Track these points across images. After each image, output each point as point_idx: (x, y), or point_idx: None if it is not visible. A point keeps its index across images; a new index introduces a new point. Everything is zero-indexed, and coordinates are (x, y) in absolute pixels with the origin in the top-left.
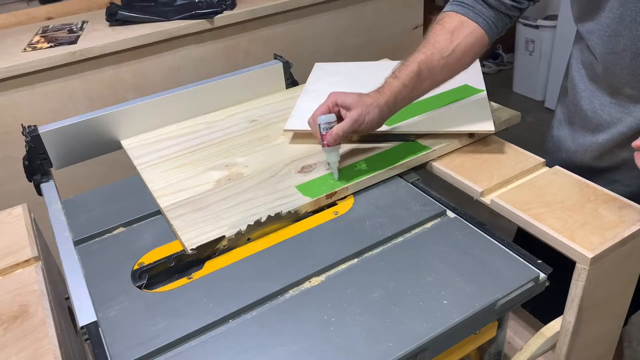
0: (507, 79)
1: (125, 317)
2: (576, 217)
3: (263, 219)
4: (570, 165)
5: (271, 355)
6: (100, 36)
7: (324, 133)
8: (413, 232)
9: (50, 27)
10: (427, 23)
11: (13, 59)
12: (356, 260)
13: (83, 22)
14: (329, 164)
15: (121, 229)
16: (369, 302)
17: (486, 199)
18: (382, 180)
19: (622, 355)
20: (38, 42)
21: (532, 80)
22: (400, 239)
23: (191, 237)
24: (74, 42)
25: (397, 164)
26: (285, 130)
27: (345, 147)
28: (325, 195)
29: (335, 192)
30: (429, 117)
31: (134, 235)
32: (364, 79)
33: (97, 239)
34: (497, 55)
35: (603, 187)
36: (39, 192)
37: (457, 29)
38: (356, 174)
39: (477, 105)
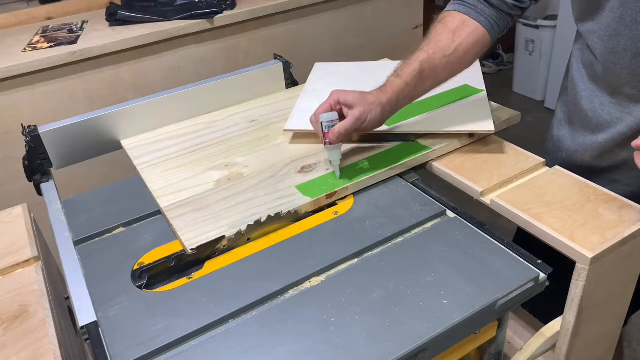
0: (507, 79)
1: (125, 317)
2: (576, 217)
3: (263, 219)
4: (571, 165)
5: (271, 355)
6: (100, 36)
7: (326, 131)
8: (413, 232)
9: (50, 27)
10: (427, 23)
11: (13, 59)
12: (356, 260)
13: (83, 22)
14: (330, 162)
15: (121, 229)
16: (369, 302)
17: (486, 199)
18: (382, 180)
19: (622, 355)
20: (38, 42)
21: (532, 80)
22: (400, 239)
23: (191, 237)
24: (74, 42)
25: (397, 164)
26: (285, 130)
27: (345, 147)
28: (325, 195)
29: (335, 192)
30: (429, 117)
31: (134, 235)
32: (364, 79)
33: (97, 239)
34: (497, 55)
35: (603, 187)
36: (39, 192)
37: (459, 28)
38: (356, 173)
39: (477, 105)
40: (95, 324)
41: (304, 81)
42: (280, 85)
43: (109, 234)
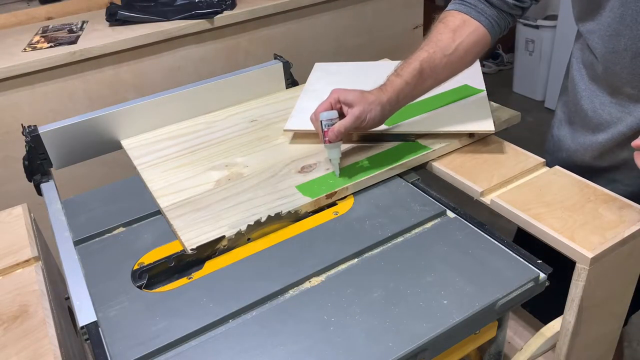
0: (507, 79)
1: (125, 317)
2: (576, 217)
3: (263, 219)
4: (571, 164)
5: (271, 355)
6: (100, 36)
7: (325, 129)
8: (413, 232)
9: (50, 27)
10: (427, 23)
11: (13, 59)
12: (356, 260)
13: (83, 22)
14: (330, 160)
15: (121, 229)
16: (369, 302)
17: (486, 199)
18: (382, 180)
19: (622, 355)
20: (38, 42)
21: (532, 80)
22: (400, 239)
23: (191, 237)
24: (74, 42)
25: (397, 164)
26: (285, 130)
27: (345, 147)
28: (325, 195)
29: (335, 192)
30: (429, 117)
31: (134, 235)
32: (364, 79)
33: (97, 239)
34: (497, 55)
35: (603, 186)
36: (39, 192)
37: (459, 28)
38: (356, 173)
39: (477, 105)
40: (95, 324)
41: (304, 81)
42: (280, 85)
43: (109, 234)
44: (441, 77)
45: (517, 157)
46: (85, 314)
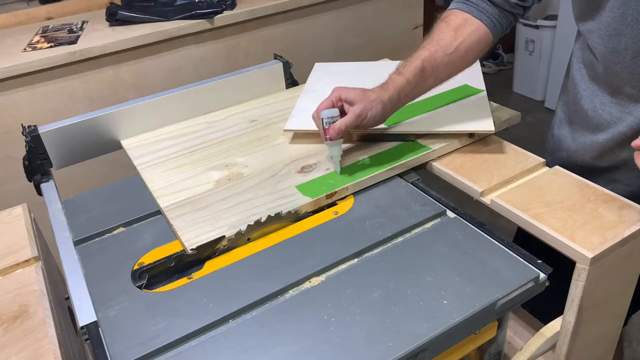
0: (507, 79)
1: (125, 317)
2: (576, 217)
3: (263, 219)
4: (571, 164)
5: (271, 355)
6: (100, 36)
7: (326, 127)
8: (413, 232)
9: (50, 27)
10: (427, 23)
11: (13, 59)
12: (356, 260)
13: (83, 22)
14: (331, 157)
15: (121, 229)
16: (369, 302)
17: (486, 199)
18: (382, 180)
19: (622, 355)
20: (38, 42)
21: (532, 80)
22: (400, 239)
23: (191, 237)
24: (74, 42)
25: (397, 164)
26: (285, 130)
27: (345, 147)
28: (325, 195)
29: (335, 192)
30: (429, 117)
31: (134, 235)
32: (364, 79)
33: (97, 239)
34: (497, 55)
35: (603, 186)
36: (39, 192)
37: (461, 27)
38: (356, 173)
39: (477, 105)
40: (95, 324)
41: (304, 81)
42: (280, 85)
43: (109, 234)
44: (442, 75)
45: (517, 157)
46: (85, 314)
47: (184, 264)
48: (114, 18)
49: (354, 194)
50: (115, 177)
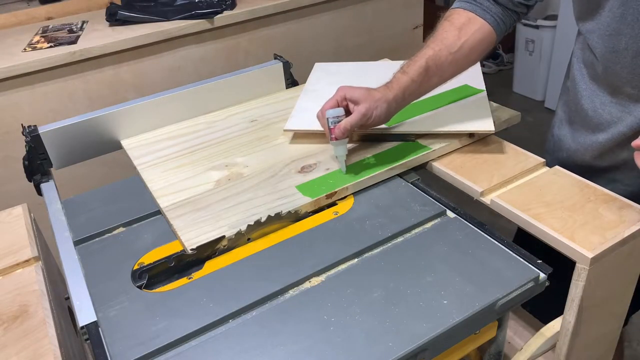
0: (507, 79)
1: (125, 317)
2: (576, 217)
3: (263, 219)
4: (571, 164)
5: (271, 355)
6: (100, 36)
7: (332, 127)
8: (413, 232)
9: (50, 27)
10: (427, 23)
11: (13, 59)
12: (356, 260)
13: (83, 22)
14: (336, 157)
15: (121, 229)
16: (369, 302)
17: (486, 199)
18: (382, 180)
19: (622, 355)
20: (38, 42)
21: (532, 80)
22: (400, 239)
23: (191, 237)
24: (74, 42)
25: (397, 164)
26: (285, 130)
27: None
28: (325, 195)
29: (335, 192)
30: (429, 117)
31: (134, 235)
32: (364, 79)
33: (97, 239)
34: (497, 55)
35: (603, 186)
36: (39, 192)
37: (464, 26)
38: (356, 173)
39: (477, 105)
40: (95, 324)
41: (304, 81)
42: (280, 85)
43: (109, 234)
44: (447, 74)
45: (517, 157)
46: (85, 314)
47: (184, 264)
48: (114, 18)
49: (354, 194)
50: (115, 177)
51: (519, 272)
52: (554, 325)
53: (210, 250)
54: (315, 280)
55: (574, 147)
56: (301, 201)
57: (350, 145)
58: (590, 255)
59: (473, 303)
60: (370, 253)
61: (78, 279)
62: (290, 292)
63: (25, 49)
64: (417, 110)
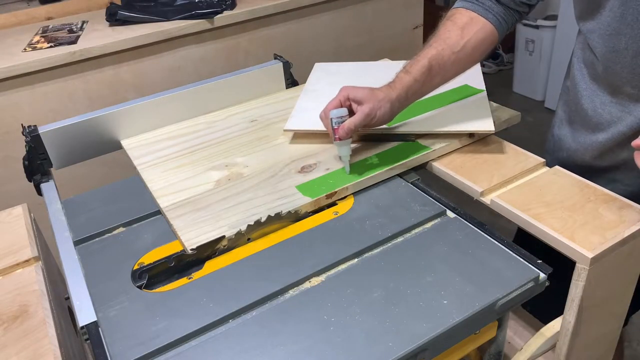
0: (507, 79)
1: (125, 317)
2: (576, 217)
3: (263, 219)
4: (571, 164)
5: (271, 355)
6: (100, 36)
7: (335, 127)
8: (413, 232)
9: (50, 27)
10: (427, 23)
11: (13, 59)
12: (356, 260)
13: (83, 22)
14: (340, 157)
15: (121, 229)
16: (369, 302)
17: (486, 199)
18: (382, 180)
19: (622, 355)
20: (38, 42)
21: (532, 80)
22: (400, 239)
23: (191, 237)
24: (74, 42)
25: (397, 164)
26: (285, 130)
27: None
28: (325, 195)
29: (335, 192)
30: (429, 117)
31: (134, 235)
32: (364, 79)
33: (97, 239)
34: (497, 55)
35: (603, 186)
36: (39, 192)
37: (467, 25)
38: (356, 173)
39: (477, 105)
40: (95, 324)
41: (304, 81)
42: (280, 85)
43: (109, 234)
44: (449, 74)
45: (517, 157)
46: (85, 314)
47: (184, 264)
48: (114, 18)
49: (354, 194)
50: (115, 177)
51: (519, 272)
52: (554, 325)
53: (210, 250)
54: (315, 280)
55: (574, 147)
56: (301, 201)
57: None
58: (590, 255)
59: (473, 303)
60: (370, 253)
61: (78, 279)
62: (290, 292)
63: (25, 49)
64: (417, 111)
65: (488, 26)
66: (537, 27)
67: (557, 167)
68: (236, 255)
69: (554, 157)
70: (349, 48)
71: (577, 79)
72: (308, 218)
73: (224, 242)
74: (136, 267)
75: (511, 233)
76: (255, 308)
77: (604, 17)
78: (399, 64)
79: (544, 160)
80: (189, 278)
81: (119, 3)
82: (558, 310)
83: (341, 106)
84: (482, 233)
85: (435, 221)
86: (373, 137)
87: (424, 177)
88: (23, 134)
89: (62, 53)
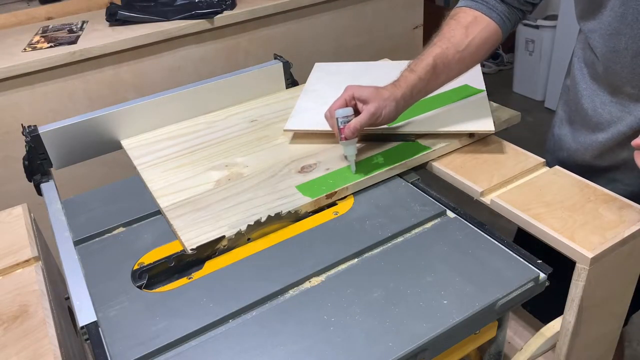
0: (507, 79)
1: (125, 317)
2: (576, 217)
3: (263, 219)
4: (571, 164)
5: (271, 355)
6: (100, 36)
7: (341, 127)
8: (413, 232)
9: (50, 27)
10: (427, 23)
11: (13, 59)
12: (356, 260)
13: (83, 22)
14: (346, 157)
15: (121, 229)
16: (369, 302)
17: (486, 199)
18: (382, 180)
19: (622, 355)
20: (38, 42)
21: (532, 80)
22: (400, 239)
23: (191, 237)
24: (74, 42)
25: (397, 164)
26: (285, 130)
27: None
28: (325, 195)
29: (335, 192)
30: (429, 117)
31: (134, 235)
32: (364, 79)
33: (97, 239)
34: (497, 55)
35: (603, 186)
36: (39, 192)
37: (471, 24)
38: (356, 173)
39: (477, 105)
40: (95, 324)
41: (304, 81)
42: (280, 85)
43: (109, 234)
44: (453, 72)
45: (517, 157)
46: (85, 314)
47: (184, 264)
48: (114, 18)
49: (354, 194)
50: (115, 177)
51: (519, 272)
52: (554, 325)
53: (210, 250)
54: (315, 280)
55: (574, 147)
56: (301, 201)
57: None
58: (590, 255)
59: (473, 303)
60: (370, 253)
61: (78, 279)
62: (290, 292)
63: (25, 49)
64: (417, 110)
65: (492, 25)
66: (537, 27)
67: (557, 167)
68: (236, 255)
69: (554, 156)
70: (349, 48)
71: (577, 79)
72: (308, 218)
73: (224, 242)
74: (136, 267)
75: (511, 233)
76: (255, 308)
77: (604, 17)
78: (399, 64)
79: (544, 160)
80: (189, 278)
81: (119, 3)
82: (558, 310)
83: (346, 105)
84: (482, 233)
85: (435, 221)
86: (373, 137)
87: (424, 177)
88: (23, 134)
89: (62, 53)
